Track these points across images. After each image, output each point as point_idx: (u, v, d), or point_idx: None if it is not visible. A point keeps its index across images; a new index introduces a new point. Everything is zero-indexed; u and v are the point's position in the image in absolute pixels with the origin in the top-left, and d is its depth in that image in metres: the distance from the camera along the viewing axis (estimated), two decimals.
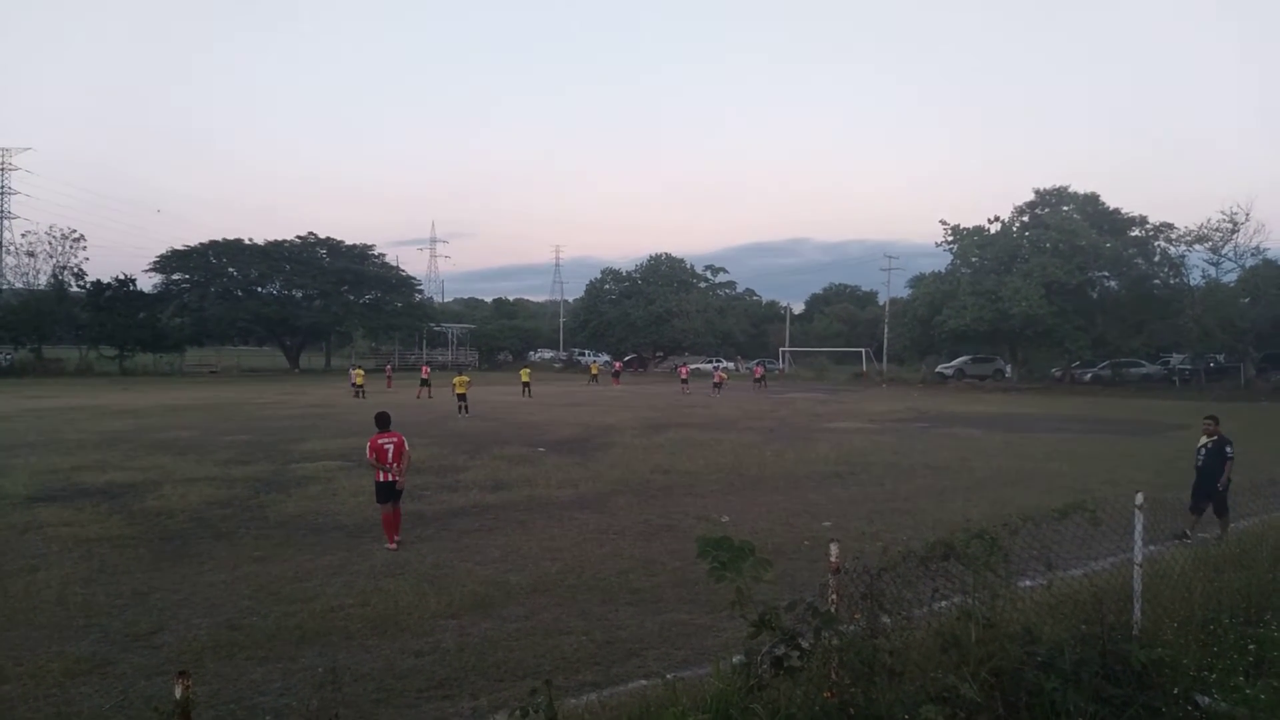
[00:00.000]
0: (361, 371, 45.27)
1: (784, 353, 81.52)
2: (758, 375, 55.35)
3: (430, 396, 40.83)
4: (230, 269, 78.21)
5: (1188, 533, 10.71)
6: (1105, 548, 7.81)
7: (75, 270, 71.84)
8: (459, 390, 32.47)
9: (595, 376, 60.56)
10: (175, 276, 76.68)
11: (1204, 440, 11.72)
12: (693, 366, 67.87)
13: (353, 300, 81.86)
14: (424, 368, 49.06)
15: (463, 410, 31.62)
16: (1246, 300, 51.79)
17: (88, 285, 70.31)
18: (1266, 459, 19.40)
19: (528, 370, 48.07)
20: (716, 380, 51.65)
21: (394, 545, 11.43)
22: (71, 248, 72.54)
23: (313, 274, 78.85)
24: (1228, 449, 11.33)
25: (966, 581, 5.52)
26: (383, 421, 12.28)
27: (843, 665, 4.84)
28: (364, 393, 41.63)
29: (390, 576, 10.03)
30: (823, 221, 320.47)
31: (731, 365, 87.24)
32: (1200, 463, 11.52)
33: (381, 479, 11.74)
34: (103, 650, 7.62)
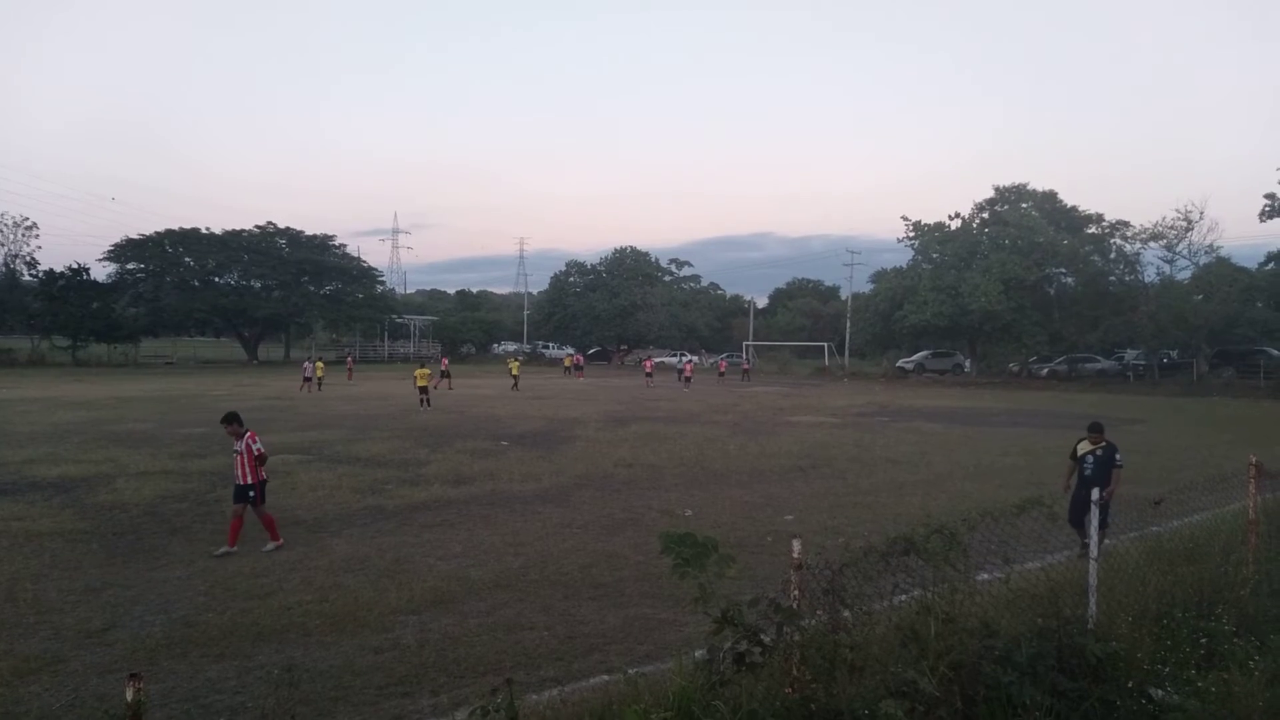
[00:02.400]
0: (321, 364, 44.50)
1: (747, 346, 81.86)
2: (721, 370, 55.32)
3: (450, 388, 40.78)
4: (187, 258, 76.72)
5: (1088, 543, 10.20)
6: (1061, 541, 7.93)
7: (27, 259, 70.50)
8: (420, 383, 32.17)
9: (569, 369, 61.37)
10: (130, 266, 75.09)
11: (1089, 448, 10.74)
12: (657, 360, 68.02)
13: (313, 291, 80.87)
14: (444, 360, 49.20)
15: (425, 403, 31.37)
16: (1200, 297, 52.88)
17: (40, 274, 68.85)
18: (1219, 453, 19.85)
19: (517, 363, 48.86)
20: (686, 374, 51.75)
21: (235, 546, 10.76)
22: (23, 236, 71.05)
23: (272, 264, 77.71)
24: (1117, 457, 10.60)
25: (926, 576, 5.57)
26: (235, 419, 11.32)
27: (804, 661, 4.85)
28: (320, 385, 41.10)
29: (349, 572, 9.92)
30: (787, 216, 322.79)
31: (696, 359, 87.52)
32: (1088, 472, 10.56)
33: (264, 477, 11.12)
34: (54, 648, 7.45)
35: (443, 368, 44.82)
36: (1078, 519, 9.74)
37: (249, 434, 11.10)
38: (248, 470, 10.87)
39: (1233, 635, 6.51)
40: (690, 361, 62.28)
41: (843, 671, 4.88)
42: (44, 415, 26.97)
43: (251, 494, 10.87)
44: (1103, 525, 10.15)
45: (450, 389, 40.52)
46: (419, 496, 14.50)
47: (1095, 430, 10.81)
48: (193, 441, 20.92)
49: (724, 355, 74.12)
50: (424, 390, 31.87)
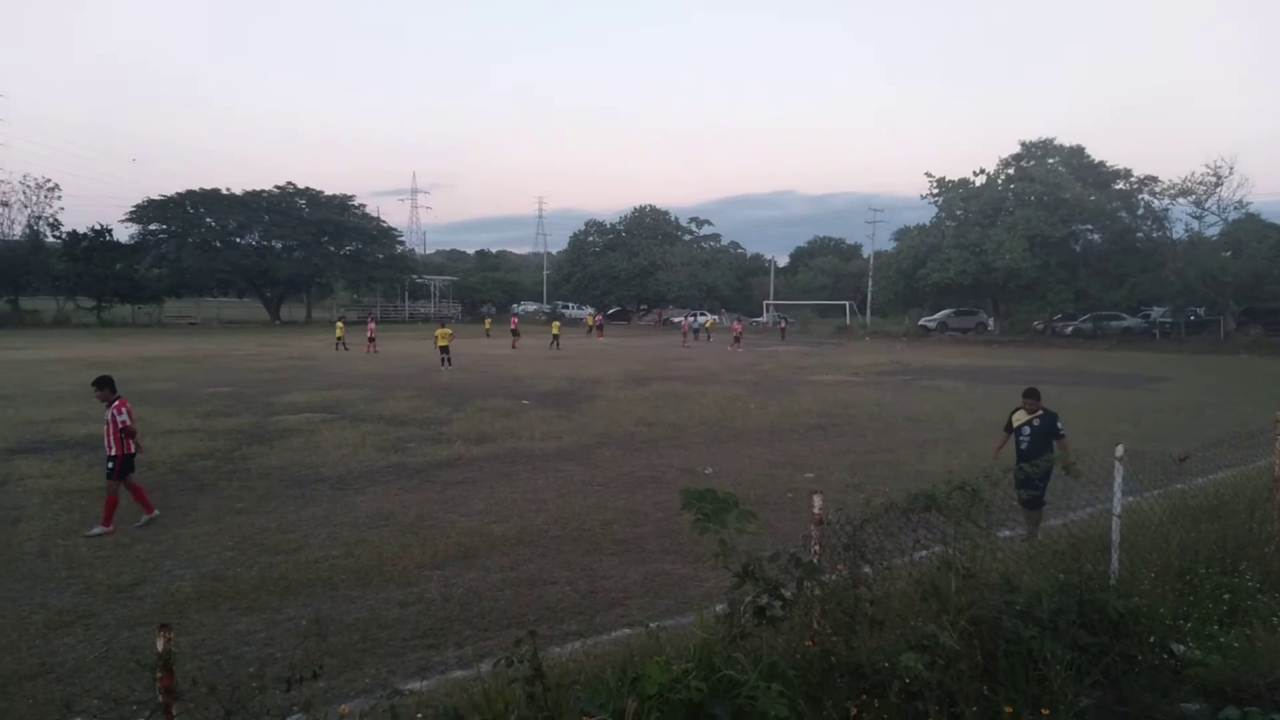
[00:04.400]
0: (340, 324, 45.10)
1: (768, 305, 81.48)
2: (735, 332, 52.75)
3: (515, 348, 43.75)
4: (208, 219, 76.87)
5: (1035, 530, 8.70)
6: (1084, 499, 7.88)
7: (51, 220, 70.64)
8: (441, 343, 32.33)
9: (591, 328, 62.25)
10: (152, 227, 75.33)
11: (1025, 418, 9.53)
12: (675, 319, 67.99)
13: (333, 251, 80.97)
14: (513, 319, 53.40)
15: (446, 363, 31.53)
16: (1228, 254, 51.95)
17: (64, 235, 69.17)
18: (1245, 410, 19.64)
19: (558, 324, 50.08)
20: (735, 333, 50.99)
21: (111, 528, 9.88)
22: (46, 197, 71.24)
23: (292, 224, 77.79)
24: (1059, 426, 9.36)
25: (947, 532, 5.56)
26: (107, 384, 10.30)
27: (825, 615, 4.88)
28: (345, 345, 41.50)
29: (374, 528, 10.04)
30: (808, 174, 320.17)
31: (715, 318, 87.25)
32: (1024, 445, 9.38)
33: (130, 450, 10.18)
34: (85, 602, 7.61)
35: (512, 327, 50.16)
36: (1026, 498, 8.35)
37: (118, 402, 10.18)
38: (112, 440, 10.01)
39: (1256, 591, 6.49)
40: (739, 321, 61.11)
41: (863, 625, 4.90)
42: (70, 375, 27.28)
43: (111, 464, 10.00)
44: (1037, 504, 8.67)
45: (515, 348, 43.71)
46: (441, 454, 14.61)
47: (1031, 396, 9.63)
48: (218, 400, 21.14)
49: (735, 317, 72.95)
50: (445, 350, 32.05)
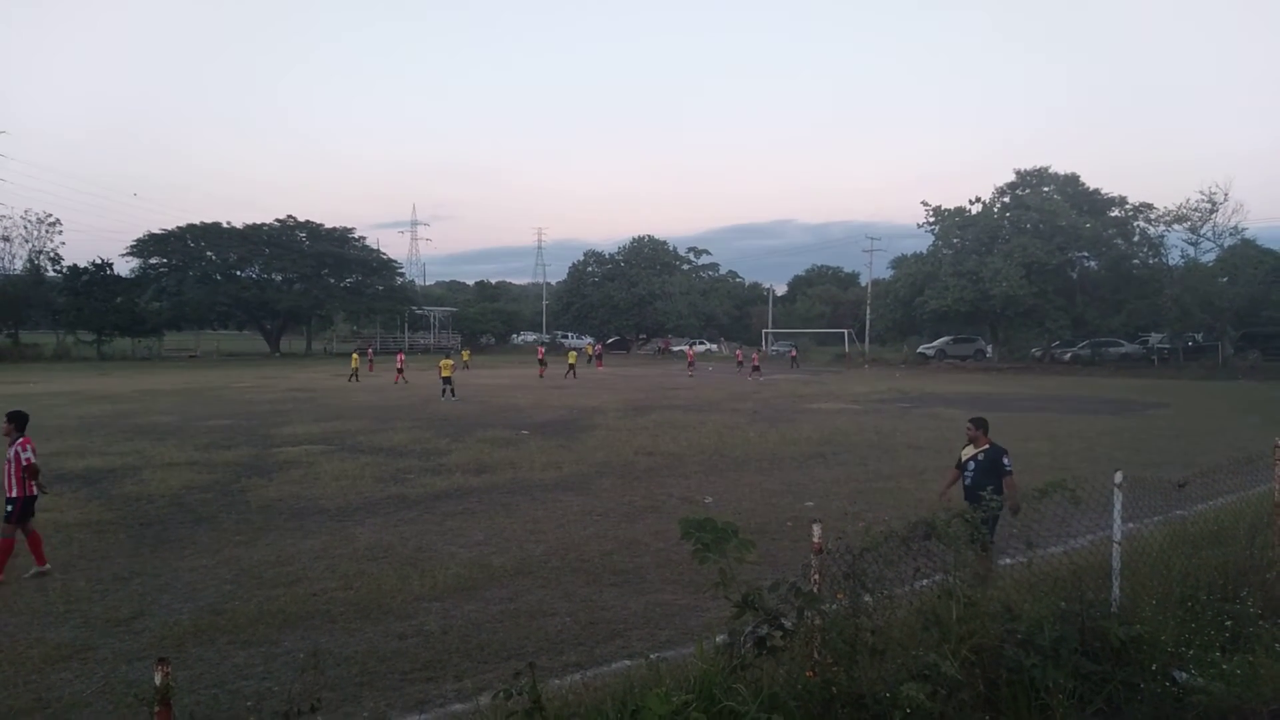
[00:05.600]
0: (356, 356, 46.62)
1: (767, 334, 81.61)
2: (754, 362, 51.80)
3: (543, 377, 45.40)
4: (209, 252, 77.36)
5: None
6: (1084, 525, 7.87)
7: (51, 255, 71.02)
8: (444, 374, 32.57)
9: (591, 358, 60.85)
10: (153, 260, 75.83)
11: (971, 451, 8.78)
12: (677, 348, 67.78)
13: (333, 284, 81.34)
14: (540, 349, 55.57)
15: (448, 394, 31.59)
16: (1225, 279, 52.19)
17: (64, 270, 69.48)
18: (1245, 436, 19.63)
19: (574, 354, 51.24)
20: (755, 363, 50.69)
21: (2, 576, 9.12)
22: (47, 232, 71.59)
23: (292, 257, 78.19)
24: (1005, 460, 8.56)
25: (947, 560, 5.55)
26: (18, 419, 9.82)
27: (825, 644, 4.86)
28: (357, 377, 42.30)
29: (373, 560, 10.00)
30: (807, 203, 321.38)
31: (715, 347, 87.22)
32: (968, 481, 8.62)
33: (32, 491, 9.45)
34: (83, 636, 7.56)
35: (539, 356, 51.15)
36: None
37: (21, 440, 9.53)
38: (13, 481, 9.29)
39: (1258, 618, 6.46)
40: (758, 352, 59.10)
41: (864, 655, 4.88)
42: (70, 409, 27.29)
43: (10, 507, 9.25)
44: (986, 545, 7.32)
45: (542, 377, 45.34)
46: (441, 485, 14.58)
47: (977, 426, 8.87)
48: (217, 433, 21.12)
49: (753, 348, 71.07)
50: (447, 380, 32.28)
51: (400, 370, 42.95)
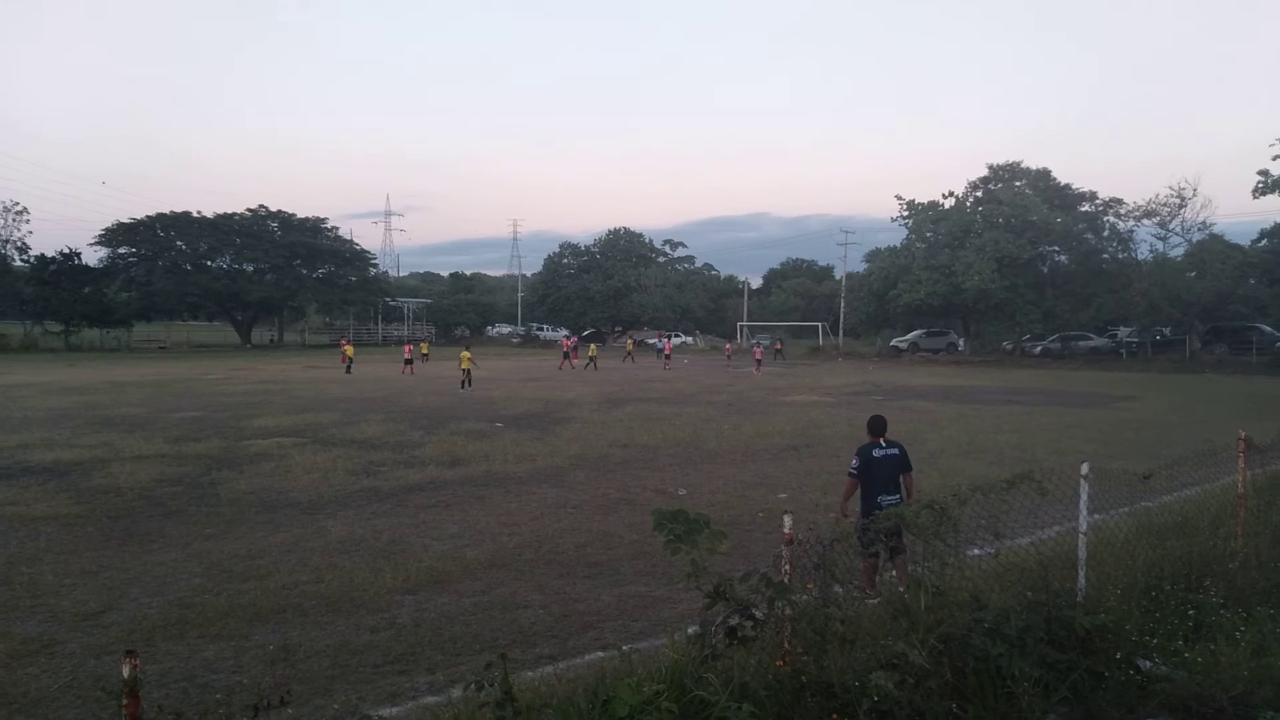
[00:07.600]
0: (349, 346, 46.89)
1: (741, 327, 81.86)
2: (756, 356, 51.29)
3: (571, 366, 46.34)
4: (179, 242, 76.30)
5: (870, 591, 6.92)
6: (1052, 516, 7.98)
7: (19, 244, 70.02)
8: (464, 365, 33.40)
9: (593, 359, 50.24)
10: (122, 250, 74.73)
11: (876, 451, 8.09)
12: (649, 341, 67.68)
13: (306, 274, 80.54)
14: (564, 340, 55.47)
15: (465, 385, 32.38)
16: (1193, 274, 52.88)
17: (32, 259, 68.48)
18: (1210, 428, 19.94)
19: (595, 346, 51.99)
20: (757, 356, 50.51)
21: None
22: (15, 220, 70.55)
23: (264, 248, 77.34)
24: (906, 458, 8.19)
25: (916, 551, 5.62)
26: None
27: (795, 634, 4.90)
28: (411, 367, 42.77)
29: (345, 553, 9.95)
30: (783, 197, 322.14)
31: (691, 340, 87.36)
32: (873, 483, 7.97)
33: None
34: (50, 630, 7.48)
35: (564, 348, 50.67)
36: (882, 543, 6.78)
37: None
38: None
39: (1220, 607, 6.58)
40: (762, 346, 56.85)
41: (834, 644, 4.93)
42: (38, 400, 26.91)
43: None
44: (898, 550, 7.05)
45: (596, 368, 45.99)
46: (414, 478, 14.53)
47: (876, 429, 8.25)
48: (186, 425, 20.90)
49: (753, 341, 68.54)
50: (467, 373, 32.98)
51: (409, 361, 43.22)
